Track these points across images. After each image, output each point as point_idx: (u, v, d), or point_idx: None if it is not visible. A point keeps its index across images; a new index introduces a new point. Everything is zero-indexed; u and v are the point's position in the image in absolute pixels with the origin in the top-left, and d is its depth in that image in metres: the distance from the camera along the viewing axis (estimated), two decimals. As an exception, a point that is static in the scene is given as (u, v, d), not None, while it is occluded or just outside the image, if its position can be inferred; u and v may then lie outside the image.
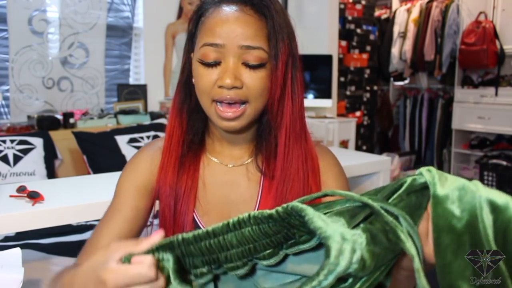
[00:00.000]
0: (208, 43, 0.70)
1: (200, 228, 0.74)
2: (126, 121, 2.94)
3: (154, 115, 3.06)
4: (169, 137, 0.78)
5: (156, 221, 0.86)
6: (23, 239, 1.79)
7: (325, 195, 0.52)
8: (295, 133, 0.76)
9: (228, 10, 0.70)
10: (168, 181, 0.77)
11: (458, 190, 0.47)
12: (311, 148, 0.79)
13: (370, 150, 4.42)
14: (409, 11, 4.31)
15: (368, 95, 4.38)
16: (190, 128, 0.79)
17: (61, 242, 1.80)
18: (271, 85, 0.72)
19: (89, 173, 2.47)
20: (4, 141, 2.28)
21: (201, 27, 0.73)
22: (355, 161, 2.05)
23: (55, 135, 2.55)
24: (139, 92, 3.25)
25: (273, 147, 0.77)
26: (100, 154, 2.49)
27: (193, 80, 0.75)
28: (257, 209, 0.77)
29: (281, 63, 0.71)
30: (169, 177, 0.77)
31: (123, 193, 0.78)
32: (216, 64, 0.70)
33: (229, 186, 0.79)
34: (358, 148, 4.22)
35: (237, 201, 0.79)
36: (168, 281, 0.47)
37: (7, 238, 1.82)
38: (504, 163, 3.55)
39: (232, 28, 0.69)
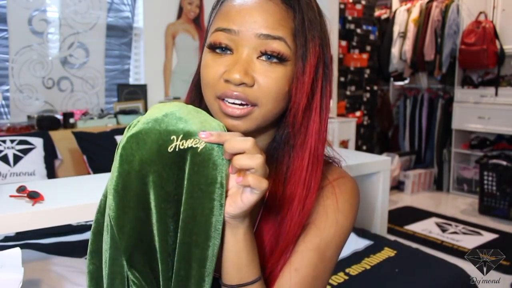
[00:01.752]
0: (220, 28, 0.59)
1: None
2: (126, 121, 2.94)
3: (154, 115, 3.06)
4: None
5: None
6: (23, 239, 1.79)
7: None
8: (316, 158, 0.63)
9: None
10: None
11: None
12: (319, 175, 0.65)
13: (370, 150, 4.42)
14: (409, 11, 4.31)
15: (368, 95, 4.38)
16: None
17: (61, 242, 1.80)
18: (295, 91, 0.60)
19: (89, 173, 2.47)
20: (4, 141, 2.28)
21: (216, 13, 0.63)
22: (355, 161, 2.05)
23: (55, 135, 2.55)
24: (139, 92, 3.25)
25: (284, 170, 0.64)
26: (100, 154, 2.49)
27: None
28: (255, 230, 0.67)
29: (310, 66, 0.60)
30: None
31: None
32: (226, 51, 0.59)
33: None
34: (358, 148, 4.22)
35: None
36: None
37: (7, 238, 1.82)
38: (504, 163, 3.54)
39: (251, 13, 0.58)
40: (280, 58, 0.58)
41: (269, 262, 0.64)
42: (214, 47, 0.60)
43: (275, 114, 0.62)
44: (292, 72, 0.60)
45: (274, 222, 0.65)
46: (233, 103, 0.58)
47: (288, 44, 0.58)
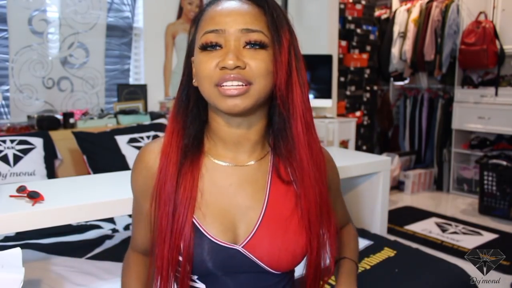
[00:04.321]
0: (208, 30, 0.71)
1: (202, 232, 0.74)
2: (126, 121, 2.94)
3: (154, 115, 3.06)
4: (167, 141, 0.77)
5: None
6: (23, 239, 1.79)
7: None
8: (306, 122, 0.77)
9: (227, 3, 0.73)
10: (167, 189, 0.75)
11: None
12: (318, 143, 0.80)
13: (370, 150, 4.42)
14: (409, 11, 4.31)
15: (368, 95, 4.38)
16: (187, 131, 0.77)
17: (61, 242, 1.80)
18: (276, 69, 0.72)
19: (89, 173, 2.47)
20: (4, 141, 2.28)
21: (201, 21, 0.75)
22: (355, 161, 2.05)
23: (55, 135, 2.55)
24: (139, 92, 3.25)
25: (288, 148, 0.78)
26: (100, 154, 2.49)
27: (194, 82, 0.76)
28: (264, 213, 0.77)
29: (284, 48, 0.73)
30: (168, 185, 0.75)
31: (135, 197, 0.85)
32: (217, 47, 0.71)
33: (234, 188, 0.78)
34: (358, 148, 4.22)
35: (243, 204, 0.77)
36: None
37: (7, 238, 1.82)
38: (504, 163, 3.54)
39: (231, 15, 0.71)
40: (261, 45, 0.71)
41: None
42: (206, 47, 0.71)
43: (267, 91, 0.73)
44: (272, 56, 0.72)
45: (292, 194, 0.80)
46: (231, 85, 0.69)
47: (265, 34, 0.72)
